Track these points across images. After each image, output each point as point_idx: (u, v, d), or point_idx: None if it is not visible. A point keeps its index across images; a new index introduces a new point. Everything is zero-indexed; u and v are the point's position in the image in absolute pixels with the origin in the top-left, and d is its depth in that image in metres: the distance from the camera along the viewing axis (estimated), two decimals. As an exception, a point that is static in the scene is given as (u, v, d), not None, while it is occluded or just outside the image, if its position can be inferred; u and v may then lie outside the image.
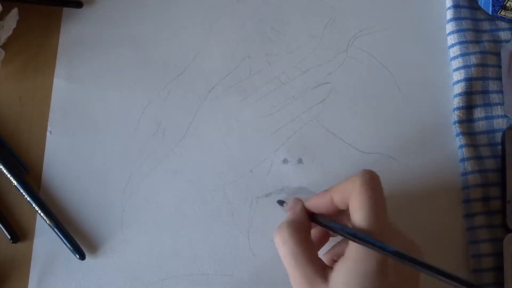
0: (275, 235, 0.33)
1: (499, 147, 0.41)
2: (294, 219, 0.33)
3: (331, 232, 0.35)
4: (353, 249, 0.30)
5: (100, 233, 0.39)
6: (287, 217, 0.34)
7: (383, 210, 0.31)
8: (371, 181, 0.31)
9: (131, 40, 0.43)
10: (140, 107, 0.41)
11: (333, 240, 0.36)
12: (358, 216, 0.30)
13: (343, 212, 0.33)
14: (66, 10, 0.44)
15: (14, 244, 0.39)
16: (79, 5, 0.43)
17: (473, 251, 0.38)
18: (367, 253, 0.29)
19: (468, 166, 0.39)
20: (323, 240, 0.36)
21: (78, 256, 0.38)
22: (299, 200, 0.35)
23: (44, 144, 0.41)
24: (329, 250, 0.35)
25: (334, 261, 0.33)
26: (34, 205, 0.38)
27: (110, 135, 0.41)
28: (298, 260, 0.31)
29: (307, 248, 0.31)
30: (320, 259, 0.32)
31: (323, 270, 0.31)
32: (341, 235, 0.31)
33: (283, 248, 0.32)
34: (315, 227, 0.35)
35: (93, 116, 0.41)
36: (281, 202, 0.38)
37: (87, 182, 0.40)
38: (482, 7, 0.43)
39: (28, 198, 0.38)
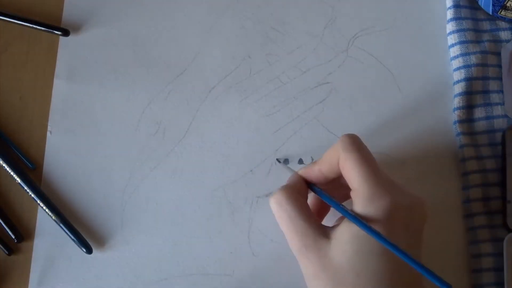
0: (271, 200, 0.32)
1: (500, 147, 0.40)
2: (289, 184, 0.33)
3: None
4: (358, 203, 0.30)
5: (100, 233, 0.39)
6: (284, 185, 0.34)
7: (374, 168, 0.31)
8: (353, 143, 0.31)
9: (131, 40, 0.43)
10: (140, 107, 0.42)
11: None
12: (353, 182, 0.30)
13: (335, 180, 0.33)
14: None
15: (14, 244, 0.39)
16: (66, 34, 0.43)
17: (473, 251, 0.38)
18: (371, 210, 0.29)
19: (468, 166, 0.39)
20: (322, 211, 0.36)
21: (85, 250, 0.38)
22: (296, 172, 0.35)
23: (44, 144, 0.41)
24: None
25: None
26: (38, 201, 0.38)
27: (110, 135, 0.41)
28: (295, 222, 0.31)
29: (303, 210, 0.31)
30: (317, 220, 0.32)
31: (322, 229, 0.31)
32: (337, 209, 0.31)
33: (279, 210, 0.32)
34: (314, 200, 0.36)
35: (93, 116, 0.41)
36: (285, 161, 0.38)
37: (87, 182, 0.40)
38: (482, 7, 0.43)
39: (33, 195, 0.38)
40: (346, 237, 0.29)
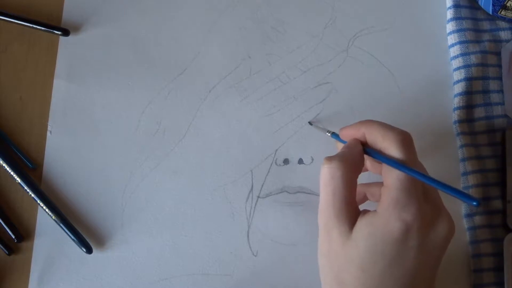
0: (325, 165, 0.32)
1: (500, 146, 0.40)
2: (350, 158, 0.32)
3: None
4: (384, 204, 0.30)
5: (100, 233, 0.39)
6: (344, 153, 0.33)
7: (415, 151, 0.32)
8: (404, 134, 0.32)
9: (131, 40, 0.43)
10: (140, 107, 0.42)
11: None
12: (394, 152, 0.31)
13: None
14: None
15: (14, 244, 0.39)
16: (66, 34, 0.43)
17: (473, 251, 0.38)
18: (393, 215, 0.30)
19: (468, 166, 0.39)
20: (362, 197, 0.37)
21: (84, 250, 0.38)
22: (358, 141, 0.33)
23: (44, 144, 0.41)
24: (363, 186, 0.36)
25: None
26: (38, 201, 0.38)
27: (110, 135, 0.41)
28: (336, 201, 0.31)
29: (350, 191, 0.31)
30: (355, 204, 0.32)
31: (354, 218, 0.31)
32: (388, 164, 0.31)
33: (329, 183, 0.31)
34: None
35: (93, 116, 0.41)
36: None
37: (87, 182, 0.40)
38: (482, 6, 0.43)
39: (33, 195, 0.38)
40: (362, 234, 0.30)
